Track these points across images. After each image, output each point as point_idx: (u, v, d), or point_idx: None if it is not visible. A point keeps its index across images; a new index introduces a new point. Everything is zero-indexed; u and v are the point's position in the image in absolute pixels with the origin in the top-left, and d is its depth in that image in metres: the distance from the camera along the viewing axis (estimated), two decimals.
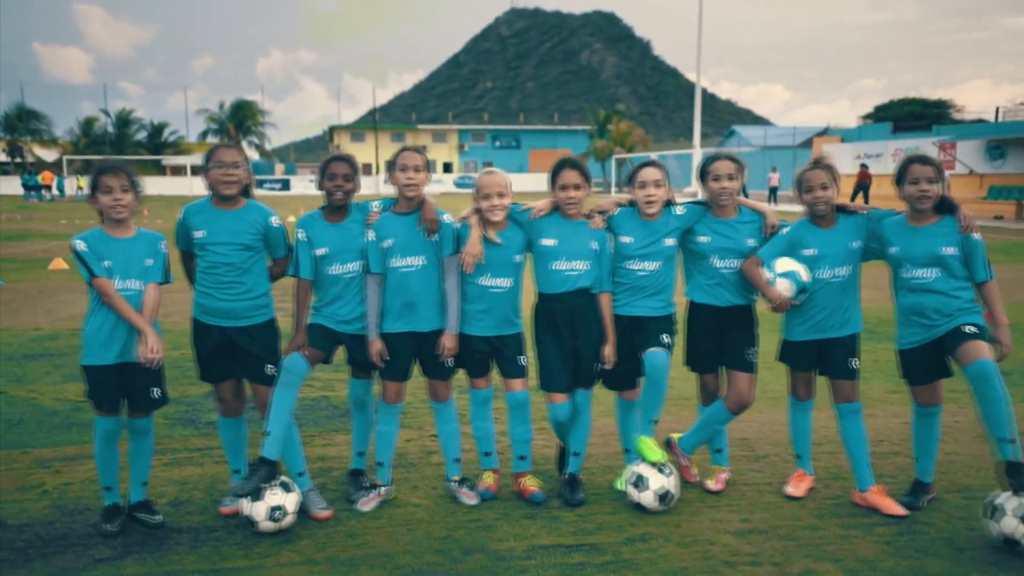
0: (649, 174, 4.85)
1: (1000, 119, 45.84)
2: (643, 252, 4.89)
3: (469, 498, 4.96)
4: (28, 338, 9.88)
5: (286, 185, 73.72)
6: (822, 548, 4.34)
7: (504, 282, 4.90)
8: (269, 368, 4.79)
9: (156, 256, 4.60)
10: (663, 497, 4.75)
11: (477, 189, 4.88)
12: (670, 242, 4.92)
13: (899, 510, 4.72)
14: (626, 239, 4.91)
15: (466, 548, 4.37)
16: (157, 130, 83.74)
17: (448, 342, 4.88)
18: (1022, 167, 34.34)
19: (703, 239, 4.94)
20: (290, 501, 4.54)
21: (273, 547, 4.41)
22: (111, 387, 4.55)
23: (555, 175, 4.88)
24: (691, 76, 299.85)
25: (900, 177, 4.69)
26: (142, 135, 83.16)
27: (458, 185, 72.59)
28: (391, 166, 4.91)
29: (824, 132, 59.60)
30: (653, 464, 4.81)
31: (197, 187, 60.91)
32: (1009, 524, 4.21)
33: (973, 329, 4.50)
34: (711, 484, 5.13)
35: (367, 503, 4.88)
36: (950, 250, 4.58)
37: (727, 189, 4.86)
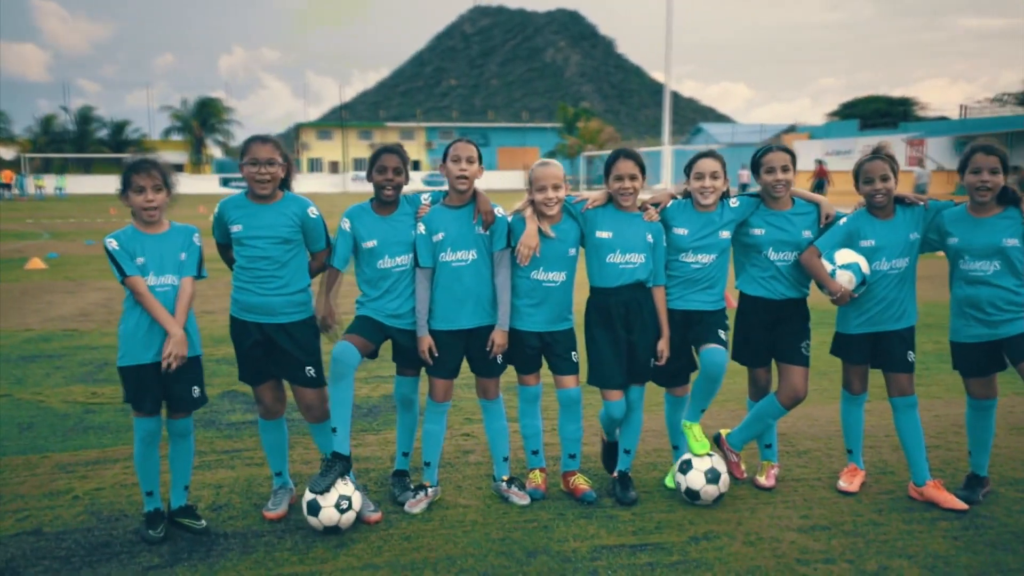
0: (706, 165, 4.76)
1: (965, 116, 46.64)
2: (698, 245, 4.79)
3: (520, 498, 4.83)
4: (21, 339, 9.57)
5: None
6: (890, 544, 4.28)
7: (558, 276, 4.78)
8: (309, 370, 4.63)
9: (190, 250, 4.44)
10: (711, 476, 4.68)
11: (531, 181, 4.75)
12: (725, 235, 4.83)
13: (959, 504, 4.67)
14: (680, 231, 4.81)
15: (528, 550, 4.25)
16: (119, 128, 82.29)
17: (499, 338, 4.75)
18: None
19: (758, 231, 4.85)
20: (356, 497, 4.44)
21: (328, 551, 4.25)
22: (151, 387, 4.36)
23: (610, 165, 4.77)
24: (655, 75, 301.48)
25: (963, 167, 4.64)
26: (103, 133, 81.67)
27: (427, 183, 72.21)
28: (443, 157, 4.77)
29: (791, 129, 60.20)
30: (698, 455, 4.75)
31: None
32: None
33: None
34: (763, 480, 5.05)
35: (416, 505, 4.74)
36: (1012, 241, 4.54)
37: (781, 180, 4.78)
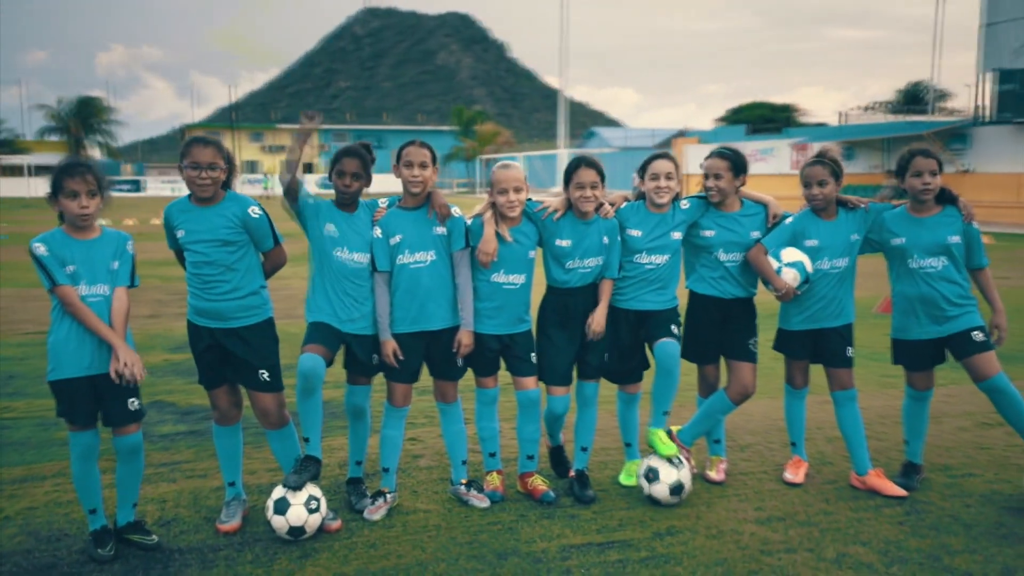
0: (661, 166, 4.84)
1: (844, 122, 48.84)
2: (651, 246, 4.87)
3: (480, 500, 4.82)
4: None
5: (137, 186, 70.22)
6: (843, 532, 4.45)
7: (518, 279, 4.79)
8: (263, 374, 4.48)
9: (123, 258, 4.23)
10: (675, 489, 4.75)
11: (492, 183, 4.74)
12: (677, 235, 4.92)
13: (899, 491, 4.89)
14: (634, 232, 4.88)
15: (498, 552, 4.24)
16: None
17: (465, 338, 4.73)
18: (868, 167, 36.67)
19: (708, 233, 4.97)
20: (323, 500, 4.41)
21: (292, 562, 4.14)
22: (84, 400, 4.14)
23: (571, 173, 4.78)
24: (546, 79, 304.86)
25: (903, 170, 4.86)
26: None
27: (322, 186, 70.98)
28: (396, 160, 4.71)
29: (681, 134, 61.82)
30: (665, 457, 4.81)
31: (36, 188, 57.10)
32: None
33: (982, 336, 4.78)
34: (713, 475, 5.17)
35: (376, 511, 4.67)
36: (955, 239, 4.80)
37: (712, 186, 4.92)
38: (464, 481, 4.91)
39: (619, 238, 4.87)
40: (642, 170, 4.92)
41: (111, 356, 4.07)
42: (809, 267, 4.84)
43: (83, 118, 76.64)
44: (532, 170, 51.41)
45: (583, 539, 4.39)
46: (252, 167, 79.98)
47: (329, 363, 4.59)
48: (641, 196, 4.99)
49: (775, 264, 4.84)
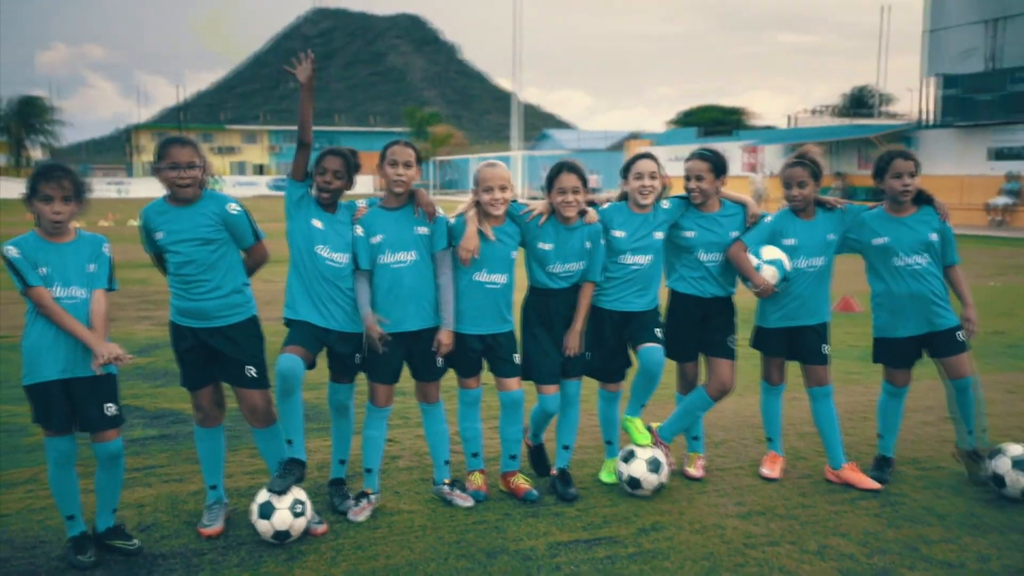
0: (645, 166, 4.89)
1: (794, 126, 49.76)
2: (635, 246, 4.92)
3: (464, 500, 4.82)
4: None
5: None
6: (823, 524, 4.54)
7: (500, 278, 4.80)
8: (250, 370, 4.45)
9: (99, 260, 4.16)
10: (653, 465, 4.83)
11: (478, 181, 4.75)
12: (659, 235, 4.98)
13: (873, 484, 5.01)
14: (619, 233, 4.92)
15: (487, 551, 4.25)
16: None
17: (445, 338, 4.73)
18: None
19: (689, 234, 5.03)
20: (309, 504, 4.37)
21: (280, 565, 4.11)
22: (59, 404, 4.07)
23: (553, 178, 4.80)
24: (498, 81, 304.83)
25: (882, 171, 4.98)
26: None
27: (273, 188, 70.07)
28: (380, 159, 4.70)
29: (634, 136, 62.36)
30: (641, 445, 4.89)
31: None
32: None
33: (962, 337, 4.97)
34: (692, 471, 5.24)
35: (360, 513, 4.65)
36: (934, 236, 4.95)
37: (694, 187, 5.00)
38: (447, 481, 4.91)
39: (602, 242, 4.89)
40: (625, 170, 4.97)
41: (87, 359, 4.00)
42: (788, 265, 4.93)
43: (24, 118, 74.92)
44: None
45: (570, 536, 4.42)
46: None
47: (310, 365, 4.56)
48: (623, 196, 5.04)
49: (755, 261, 4.92)
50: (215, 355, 4.45)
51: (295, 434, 4.45)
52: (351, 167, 4.62)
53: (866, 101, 67.57)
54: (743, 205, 5.13)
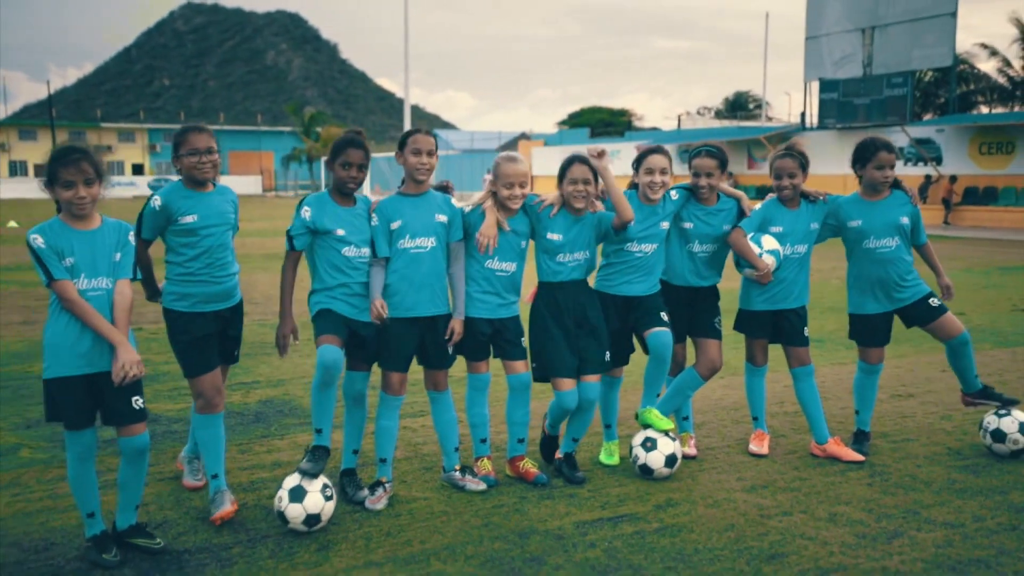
0: (657, 161, 5.05)
1: (680, 127, 51.32)
2: (642, 235, 5.06)
3: (476, 485, 4.87)
4: None
5: None
6: (823, 494, 4.80)
7: (509, 266, 4.89)
8: (237, 351, 4.77)
9: (125, 249, 4.04)
10: (670, 461, 4.98)
11: (497, 175, 4.80)
12: (665, 225, 5.15)
13: (857, 456, 5.32)
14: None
15: (518, 532, 4.32)
16: None
17: (457, 327, 4.78)
18: None
19: (687, 225, 5.23)
20: (335, 489, 4.47)
21: (313, 555, 4.06)
22: (82, 400, 3.93)
23: (565, 170, 4.89)
24: (379, 81, 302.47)
25: (865, 161, 5.28)
26: None
27: (152, 187, 67.43)
28: (400, 148, 4.72)
29: (524, 136, 63.05)
30: (662, 431, 5.04)
31: None
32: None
33: (937, 302, 5.33)
34: (687, 450, 5.43)
35: (377, 501, 4.64)
36: (904, 219, 5.29)
37: (704, 184, 5.20)
38: (457, 468, 4.95)
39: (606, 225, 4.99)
40: (637, 163, 5.13)
41: (111, 353, 3.88)
42: (782, 255, 5.20)
43: None
44: (378, 171, 50.99)
45: (591, 515, 4.53)
46: None
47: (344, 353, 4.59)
48: (633, 186, 5.19)
49: (756, 249, 5.16)
50: (221, 337, 4.58)
51: (325, 424, 4.50)
52: (369, 157, 4.64)
53: (745, 105, 70.28)
54: (736, 199, 5.36)
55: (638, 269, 5.10)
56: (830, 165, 33.32)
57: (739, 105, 68.41)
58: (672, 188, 5.20)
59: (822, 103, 35.92)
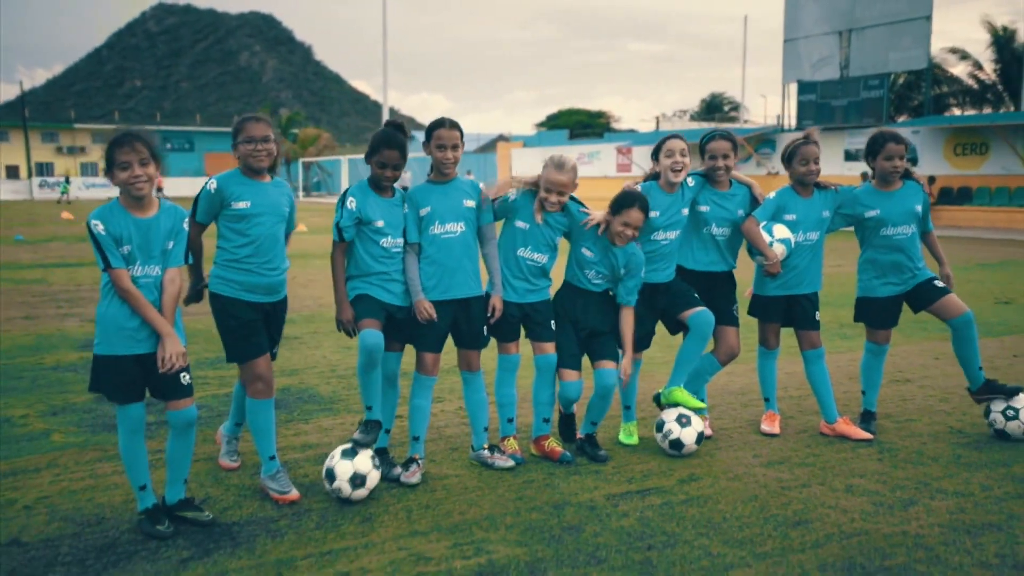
0: (676, 144, 5.27)
1: (659, 128, 51.73)
2: (668, 223, 5.30)
3: (505, 462, 5.05)
4: None
5: None
6: (837, 468, 5.03)
7: (541, 257, 5.09)
8: (276, 347, 4.87)
9: (178, 237, 4.21)
10: (700, 437, 5.22)
11: (545, 177, 4.98)
12: (685, 211, 5.38)
13: (865, 435, 5.55)
14: (653, 213, 5.26)
15: (552, 504, 4.50)
16: None
17: (497, 303, 5.00)
18: None
19: (704, 208, 5.44)
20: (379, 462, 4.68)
21: (358, 526, 4.23)
22: (131, 377, 4.10)
23: (623, 208, 5.03)
24: (354, 83, 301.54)
25: (875, 153, 5.52)
26: None
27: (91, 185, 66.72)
28: (427, 141, 4.89)
29: (502, 138, 63.24)
30: (694, 410, 5.28)
31: None
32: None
33: (942, 284, 5.58)
34: (705, 431, 5.64)
35: (412, 476, 4.81)
36: (918, 207, 5.54)
37: (722, 165, 5.41)
38: (486, 446, 5.13)
39: (642, 270, 5.20)
40: (656, 151, 5.34)
41: (159, 349, 4.07)
42: (793, 243, 5.43)
43: None
44: (355, 173, 51.01)
45: (620, 489, 4.73)
46: (45, 169, 74.26)
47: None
48: (651, 176, 5.40)
49: (767, 238, 5.38)
50: (267, 326, 4.66)
51: (375, 401, 4.71)
52: (405, 147, 4.81)
53: (720, 107, 70.90)
54: (748, 186, 5.58)
55: (663, 257, 5.32)
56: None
57: (715, 107, 69.03)
58: (688, 175, 5.42)
59: (800, 105, 36.44)
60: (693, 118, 71.02)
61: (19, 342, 8.92)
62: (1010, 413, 5.44)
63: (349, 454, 4.48)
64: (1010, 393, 5.50)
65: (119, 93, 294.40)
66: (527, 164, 44.37)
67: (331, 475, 4.45)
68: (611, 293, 5.29)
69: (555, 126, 68.08)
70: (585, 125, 67.21)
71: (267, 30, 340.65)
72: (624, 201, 5.05)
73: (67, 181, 56.59)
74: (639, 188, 5.32)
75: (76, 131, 78.75)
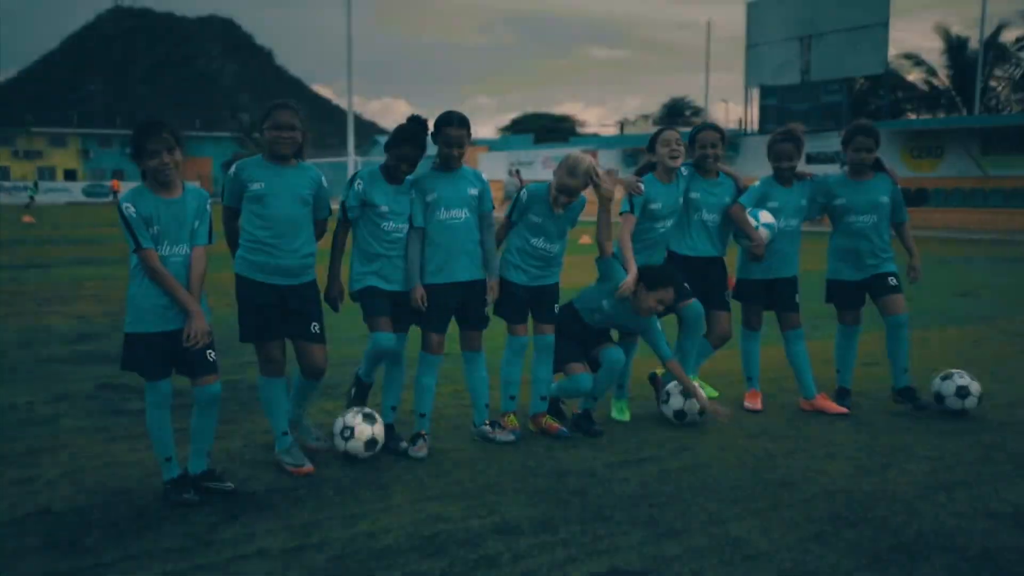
0: (671, 134, 5.65)
1: (623, 132, 52.33)
2: (668, 211, 5.65)
3: (506, 436, 5.30)
4: None
5: None
6: (821, 439, 5.36)
7: (553, 247, 5.39)
8: (315, 326, 4.84)
9: (203, 216, 4.43)
10: (701, 411, 5.56)
11: (558, 180, 5.25)
12: (680, 200, 5.72)
13: (841, 409, 5.91)
14: (655, 205, 5.59)
15: (555, 472, 4.77)
16: None
17: (495, 285, 5.29)
18: None
19: (695, 195, 5.79)
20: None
21: (375, 492, 4.46)
22: (159, 353, 4.32)
23: (659, 284, 5.30)
24: (316, 88, 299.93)
25: (847, 144, 5.89)
26: None
27: (88, 194, 66.14)
28: (436, 135, 5.12)
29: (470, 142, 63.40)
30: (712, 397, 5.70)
31: None
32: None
33: (895, 281, 5.90)
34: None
35: (420, 450, 5.04)
36: (884, 199, 5.87)
37: (711, 154, 5.75)
38: (487, 422, 5.38)
39: (658, 326, 5.51)
40: (652, 142, 5.68)
41: (186, 326, 4.28)
42: (776, 228, 5.78)
43: None
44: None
45: (617, 458, 5.01)
46: (1, 174, 72.99)
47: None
48: (651, 168, 5.71)
49: (754, 223, 5.72)
50: (285, 311, 4.77)
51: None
52: (424, 142, 5.05)
53: (682, 111, 71.77)
54: (733, 178, 5.93)
55: (659, 244, 5.68)
56: (769, 169, 34.58)
57: (677, 112, 69.86)
58: (682, 164, 5.73)
59: (762, 109, 37.22)
60: (656, 123, 71.84)
61: (5, 338, 8.98)
62: (963, 392, 5.78)
63: (370, 419, 4.89)
64: (920, 407, 5.84)
65: (73, 98, 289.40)
66: (493, 168, 44.72)
67: (348, 432, 4.85)
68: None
69: (520, 130, 68.59)
70: (549, 129, 67.75)
71: (226, 35, 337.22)
72: (663, 280, 5.31)
73: (35, 186, 55.99)
74: (641, 182, 5.60)
75: (32, 135, 77.54)
